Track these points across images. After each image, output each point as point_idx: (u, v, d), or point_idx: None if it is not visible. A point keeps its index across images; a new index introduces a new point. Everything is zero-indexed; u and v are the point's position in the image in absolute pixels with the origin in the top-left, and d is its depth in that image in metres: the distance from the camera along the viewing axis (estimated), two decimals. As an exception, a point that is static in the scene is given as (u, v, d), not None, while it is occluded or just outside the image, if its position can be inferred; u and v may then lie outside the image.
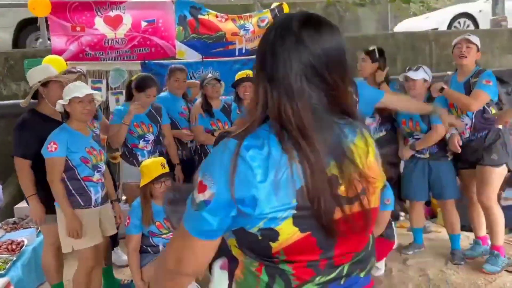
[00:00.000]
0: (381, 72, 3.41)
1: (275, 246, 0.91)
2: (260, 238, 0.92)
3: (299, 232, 0.90)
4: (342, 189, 0.92)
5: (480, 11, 7.89)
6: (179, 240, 0.98)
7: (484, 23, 7.56)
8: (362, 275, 1.01)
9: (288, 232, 0.90)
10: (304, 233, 0.90)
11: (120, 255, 3.51)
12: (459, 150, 3.14)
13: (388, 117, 3.54)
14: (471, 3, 8.28)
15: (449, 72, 3.42)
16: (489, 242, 3.28)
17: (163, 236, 2.86)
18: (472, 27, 7.63)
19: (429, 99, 3.27)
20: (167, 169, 2.78)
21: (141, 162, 3.10)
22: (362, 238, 1.00)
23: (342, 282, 0.98)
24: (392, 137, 3.55)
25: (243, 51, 4.86)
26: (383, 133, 3.57)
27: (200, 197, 0.92)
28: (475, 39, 3.12)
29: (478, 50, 3.13)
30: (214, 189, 0.90)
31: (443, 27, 7.73)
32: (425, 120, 3.24)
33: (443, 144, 3.25)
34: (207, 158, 0.97)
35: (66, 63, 4.18)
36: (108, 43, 4.52)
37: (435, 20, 8.04)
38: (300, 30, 0.92)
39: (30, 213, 2.68)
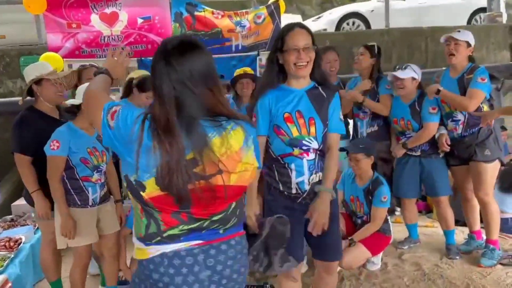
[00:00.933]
0: (367, 83, 3.42)
1: (144, 195, 1.27)
2: (135, 186, 1.27)
3: (160, 190, 1.25)
4: (199, 169, 1.25)
5: (372, 10, 7.53)
6: (96, 104, 1.36)
7: (376, 23, 7.12)
8: (221, 231, 1.36)
9: (152, 188, 1.25)
10: (163, 192, 1.25)
11: None
12: (448, 149, 3.17)
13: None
14: (362, 3, 7.95)
15: (444, 68, 3.40)
16: (484, 237, 3.32)
17: None
18: (363, 27, 7.35)
19: (420, 97, 3.27)
20: None
21: None
22: (220, 204, 1.32)
23: (203, 232, 1.33)
24: (385, 132, 3.56)
25: (240, 47, 4.84)
26: (375, 128, 3.57)
27: (109, 118, 1.29)
28: (463, 35, 3.06)
29: (469, 46, 3.07)
30: (115, 126, 1.28)
31: (332, 28, 7.45)
32: (416, 119, 3.25)
33: (434, 141, 3.26)
34: (129, 105, 1.34)
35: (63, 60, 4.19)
36: (104, 40, 4.50)
37: (324, 21, 7.77)
38: (169, 54, 1.28)
39: (36, 208, 2.68)
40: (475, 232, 3.39)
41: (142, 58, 4.47)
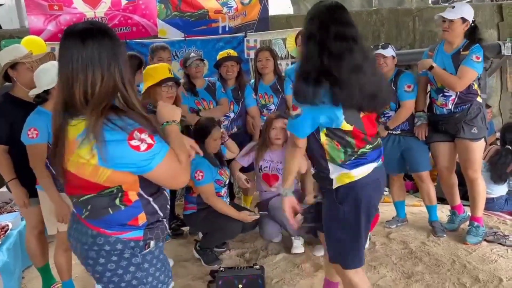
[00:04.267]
0: None
1: None
2: None
3: None
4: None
5: None
6: None
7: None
8: (84, 215, 1.43)
9: None
10: None
11: None
12: (423, 139, 3.28)
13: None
14: None
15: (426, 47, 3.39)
16: (465, 210, 3.39)
17: None
18: None
19: (396, 76, 3.27)
20: (172, 75, 2.84)
21: None
22: (73, 188, 1.41)
23: (78, 210, 1.46)
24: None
25: (227, 29, 4.79)
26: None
27: None
28: (455, 13, 2.99)
29: (464, 21, 2.98)
30: None
31: None
32: (393, 98, 3.25)
33: (413, 120, 3.32)
34: None
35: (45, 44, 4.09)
36: (87, 22, 4.40)
37: None
38: (66, 39, 1.33)
39: (14, 198, 2.64)
40: (456, 207, 3.44)
41: (127, 41, 4.39)
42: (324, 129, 1.83)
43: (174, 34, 4.63)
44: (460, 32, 3.03)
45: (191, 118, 3.59)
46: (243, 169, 3.53)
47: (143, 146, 1.27)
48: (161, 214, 1.48)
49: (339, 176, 1.87)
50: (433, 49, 3.25)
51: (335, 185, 1.88)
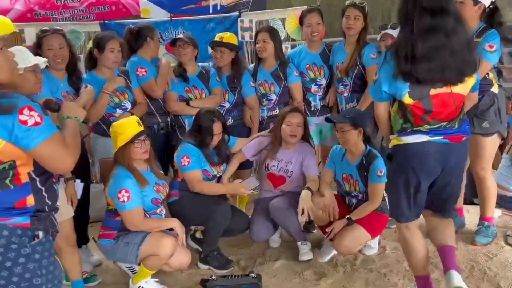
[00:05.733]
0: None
1: None
2: None
3: None
4: None
5: None
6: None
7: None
8: None
9: None
10: None
11: (88, 255, 3.03)
12: None
13: (361, 85, 3.30)
14: None
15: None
16: (463, 215, 3.27)
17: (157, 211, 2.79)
18: None
19: None
20: (143, 127, 2.63)
21: None
22: None
23: None
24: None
25: (218, 8, 4.53)
26: (354, 103, 3.35)
27: None
28: None
29: (476, 3, 2.72)
30: None
31: None
32: None
33: None
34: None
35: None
36: (60, 1, 4.13)
37: None
38: None
39: None
40: (458, 209, 3.22)
41: (106, 22, 4.05)
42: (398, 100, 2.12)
43: (158, 14, 4.31)
44: (472, 16, 2.74)
45: (179, 108, 3.33)
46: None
47: (30, 122, 1.41)
48: (49, 203, 1.55)
49: (392, 139, 2.22)
50: None
51: (390, 146, 2.26)
